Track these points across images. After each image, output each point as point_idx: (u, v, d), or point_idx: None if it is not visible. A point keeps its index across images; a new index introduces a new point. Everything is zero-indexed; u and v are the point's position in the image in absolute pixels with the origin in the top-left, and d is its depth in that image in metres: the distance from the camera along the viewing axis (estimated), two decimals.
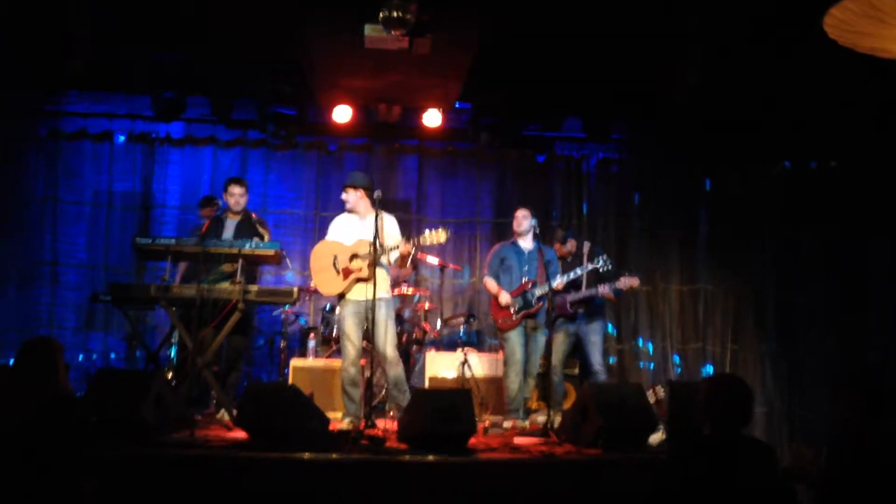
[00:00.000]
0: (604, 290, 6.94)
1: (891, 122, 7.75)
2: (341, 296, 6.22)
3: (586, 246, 7.28)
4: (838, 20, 4.77)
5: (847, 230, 8.48)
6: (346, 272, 6.16)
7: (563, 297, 7.01)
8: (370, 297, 5.89)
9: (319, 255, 6.28)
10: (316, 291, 7.85)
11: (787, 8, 5.86)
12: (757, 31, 6.50)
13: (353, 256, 6.17)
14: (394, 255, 6.22)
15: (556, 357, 7.09)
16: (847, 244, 8.51)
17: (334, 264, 6.17)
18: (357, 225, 6.33)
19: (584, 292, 6.98)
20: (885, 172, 8.23)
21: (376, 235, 5.91)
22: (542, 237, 6.94)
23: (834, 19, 4.77)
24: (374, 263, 5.90)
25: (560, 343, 7.13)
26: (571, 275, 6.78)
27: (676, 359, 8.63)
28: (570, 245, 7.29)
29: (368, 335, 6.12)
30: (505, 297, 6.63)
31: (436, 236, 6.08)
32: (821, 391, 8.27)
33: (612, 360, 8.55)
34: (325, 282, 6.23)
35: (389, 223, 6.33)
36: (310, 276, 8.25)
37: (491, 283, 6.80)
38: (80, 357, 8.16)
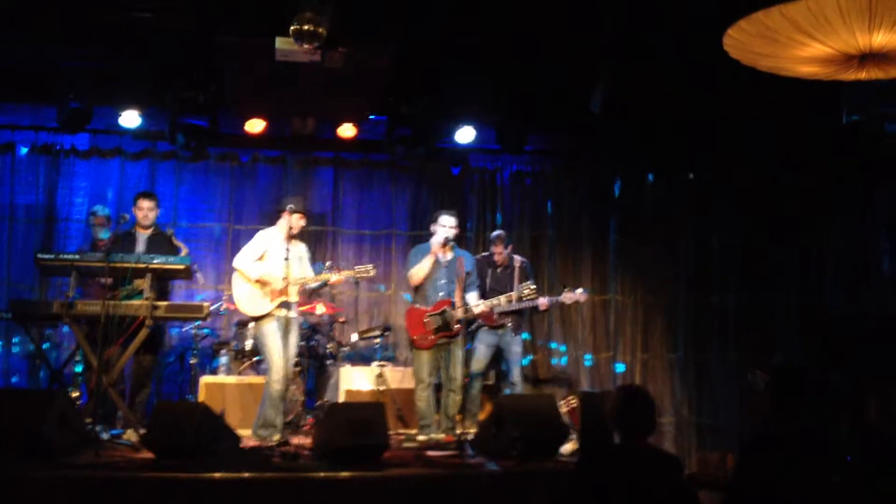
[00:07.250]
0: (543, 301, 6.98)
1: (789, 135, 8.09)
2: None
3: (517, 260, 7.31)
4: (736, 41, 4.93)
5: (755, 235, 8.76)
6: (275, 295, 6.15)
7: (490, 308, 7.03)
8: (287, 314, 6.22)
9: (243, 279, 6.25)
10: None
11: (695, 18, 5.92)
12: (668, 41, 6.66)
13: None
14: (316, 284, 6.57)
15: (477, 368, 7.12)
16: (756, 249, 8.77)
17: (262, 288, 6.16)
18: (282, 247, 6.28)
19: (515, 304, 6.96)
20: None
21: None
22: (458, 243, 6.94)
23: (732, 40, 4.93)
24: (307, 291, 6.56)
25: (482, 354, 7.16)
26: (503, 299, 6.74)
27: (588, 363, 8.75)
28: (504, 254, 7.31)
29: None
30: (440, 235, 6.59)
31: (365, 272, 6.49)
32: (728, 398, 8.48)
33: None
34: (250, 302, 6.18)
35: (306, 251, 6.59)
36: (225, 291, 8.15)
37: (417, 267, 6.62)
38: None
